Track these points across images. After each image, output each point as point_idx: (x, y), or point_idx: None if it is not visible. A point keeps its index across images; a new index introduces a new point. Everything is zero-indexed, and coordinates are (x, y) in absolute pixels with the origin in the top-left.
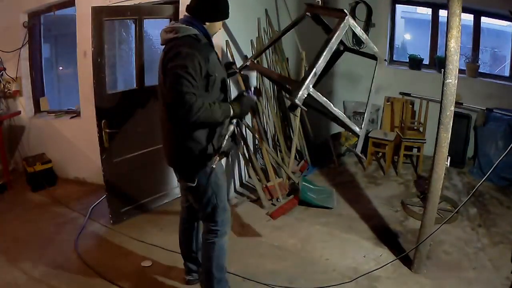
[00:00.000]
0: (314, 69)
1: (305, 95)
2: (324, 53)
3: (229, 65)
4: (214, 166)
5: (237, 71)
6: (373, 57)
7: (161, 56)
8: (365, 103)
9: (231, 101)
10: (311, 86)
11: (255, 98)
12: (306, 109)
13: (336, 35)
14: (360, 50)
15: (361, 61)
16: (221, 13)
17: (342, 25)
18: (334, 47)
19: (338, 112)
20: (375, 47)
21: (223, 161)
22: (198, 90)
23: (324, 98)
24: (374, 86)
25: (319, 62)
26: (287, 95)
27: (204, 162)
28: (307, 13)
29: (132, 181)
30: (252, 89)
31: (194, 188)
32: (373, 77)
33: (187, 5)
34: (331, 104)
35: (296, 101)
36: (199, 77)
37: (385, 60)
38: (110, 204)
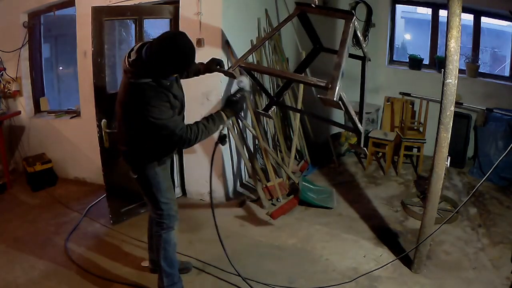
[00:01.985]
0: (341, 69)
1: (340, 94)
2: (345, 53)
3: (219, 63)
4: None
5: (226, 71)
6: (360, 57)
7: (124, 90)
8: (366, 103)
9: (222, 107)
10: (341, 85)
11: (245, 92)
12: (343, 109)
13: (349, 35)
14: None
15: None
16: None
17: (351, 25)
18: (350, 47)
19: (352, 111)
20: (365, 47)
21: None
22: (178, 116)
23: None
24: (370, 86)
25: (343, 62)
26: (319, 95)
27: (152, 160)
28: (299, 12)
29: (132, 181)
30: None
31: (137, 179)
32: (363, 76)
33: (146, 50)
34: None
35: (335, 99)
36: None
37: (369, 60)
38: (110, 204)
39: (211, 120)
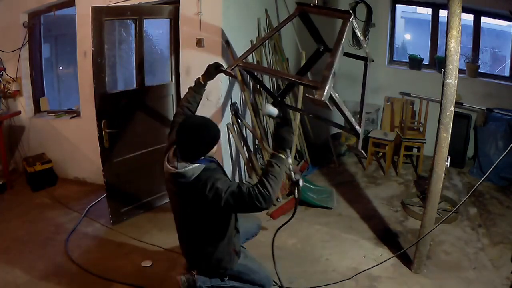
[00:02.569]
0: (333, 69)
1: (330, 94)
2: (338, 53)
3: (217, 66)
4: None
5: (228, 71)
6: (362, 58)
7: (173, 188)
8: (366, 103)
9: (273, 147)
10: (332, 85)
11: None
12: (331, 109)
13: (345, 35)
14: (348, 52)
15: (361, 61)
16: (213, 142)
17: (348, 25)
18: (345, 47)
19: (347, 111)
20: (366, 47)
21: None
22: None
23: (338, 97)
24: (371, 86)
25: (336, 61)
26: (307, 95)
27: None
28: (300, 12)
29: (132, 181)
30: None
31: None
32: (365, 77)
33: (178, 141)
34: (343, 103)
35: (323, 99)
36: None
37: (372, 61)
38: (110, 204)
39: (271, 165)
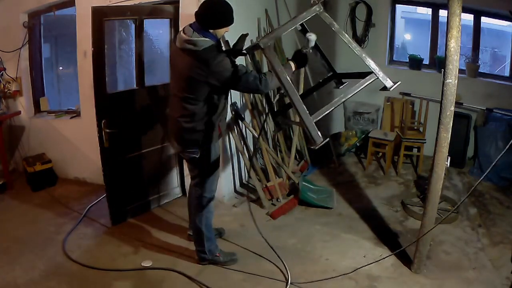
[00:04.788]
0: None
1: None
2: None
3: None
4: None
5: (244, 52)
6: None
7: (181, 60)
8: (365, 104)
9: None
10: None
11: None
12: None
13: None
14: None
15: (361, 61)
16: (224, 21)
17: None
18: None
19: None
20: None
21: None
22: (250, 69)
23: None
24: (370, 86)
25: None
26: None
27: (207, 141)
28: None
29: (132, 181)
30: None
31: (195, 159)
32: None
33: (196, 12)
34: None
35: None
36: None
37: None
38: (110, 204)
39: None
